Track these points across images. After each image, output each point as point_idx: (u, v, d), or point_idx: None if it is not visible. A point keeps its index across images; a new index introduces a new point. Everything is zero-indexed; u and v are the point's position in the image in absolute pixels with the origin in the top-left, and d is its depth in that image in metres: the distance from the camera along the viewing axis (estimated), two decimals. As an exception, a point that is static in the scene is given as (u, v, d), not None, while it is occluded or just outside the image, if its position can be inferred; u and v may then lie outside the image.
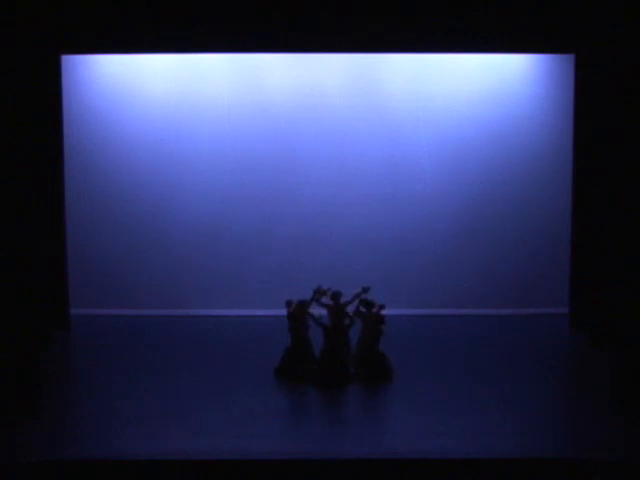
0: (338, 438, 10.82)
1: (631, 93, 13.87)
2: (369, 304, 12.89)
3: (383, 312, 12.85)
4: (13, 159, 14.00)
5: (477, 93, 15.80)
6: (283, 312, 13.03)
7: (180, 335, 14.79)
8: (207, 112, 15.83)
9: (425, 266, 16.04)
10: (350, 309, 13.03)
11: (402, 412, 11.56)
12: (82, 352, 14.19)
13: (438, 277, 16.04)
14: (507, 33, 14.19)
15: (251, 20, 14.07)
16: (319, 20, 14.08)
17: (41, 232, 14.33)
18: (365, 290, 13.08)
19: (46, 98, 14.27)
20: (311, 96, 15.87)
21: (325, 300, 13.14)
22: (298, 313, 12.85)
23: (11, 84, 13.90)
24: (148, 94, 15.78)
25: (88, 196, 15.75)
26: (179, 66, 15.73)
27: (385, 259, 16.01)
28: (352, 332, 13.09)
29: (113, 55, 15.25)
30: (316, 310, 13.03)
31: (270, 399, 11.97)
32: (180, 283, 16.04)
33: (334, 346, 12.56)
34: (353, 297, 13.13)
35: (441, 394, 12.11)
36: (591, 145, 14.48)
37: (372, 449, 10.43)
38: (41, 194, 14.33)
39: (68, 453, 10.24)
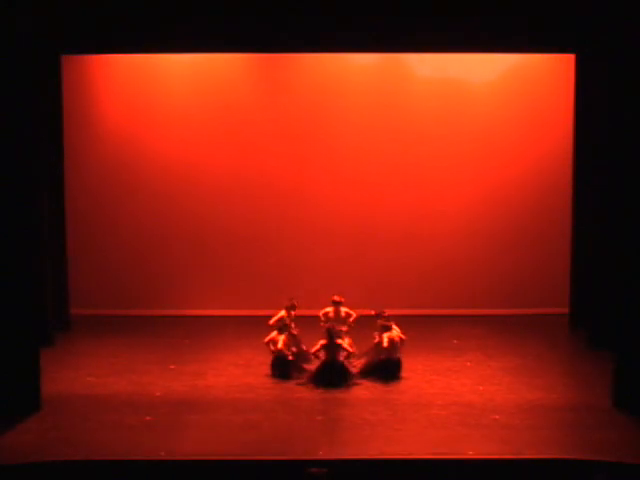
0: (338, 438, 10.82)
1: (632, 93, 13.86)
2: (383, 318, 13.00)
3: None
4: (13, 159, 14.00)
5: (476, 93, 15.81)
6: (282, 312, 13.13)
7: (180, 335, 14.79)
8: (208, 113, 15.84)
9: (425, 266, 16.05)
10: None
11: (402, 412, 11.55)
12: (82, 352, 14.19)
13: (438, 277, 16.06)
14: (507, 33, 14.19)
15: (254, 20, 14.07)
16: (326, 20, 14.10)
17: (41, 232, 14.32)
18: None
19: (46, 98, 14.26)
20: (313, 96, 15.91)
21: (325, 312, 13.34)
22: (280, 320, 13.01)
23: (11, 84, 13.90)
24: (148, 94, 15.79)
25: (88, 196, 15.77)
26: (180, 66, 15.74)
27: (385, 259, 16.02)
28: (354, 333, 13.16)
29: (113, 55, 15.26)
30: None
31: (270, 399, 11.98)
32: (180, 283, 16.06)
33: (333, 353, 12.56)
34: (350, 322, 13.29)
35: (440, 394, 12.11)
36: (591, 145, 14.48)
37: (372, 449, 10.42)
38: (41, 194, 14.32)
39: (68, 453, 10.24)
